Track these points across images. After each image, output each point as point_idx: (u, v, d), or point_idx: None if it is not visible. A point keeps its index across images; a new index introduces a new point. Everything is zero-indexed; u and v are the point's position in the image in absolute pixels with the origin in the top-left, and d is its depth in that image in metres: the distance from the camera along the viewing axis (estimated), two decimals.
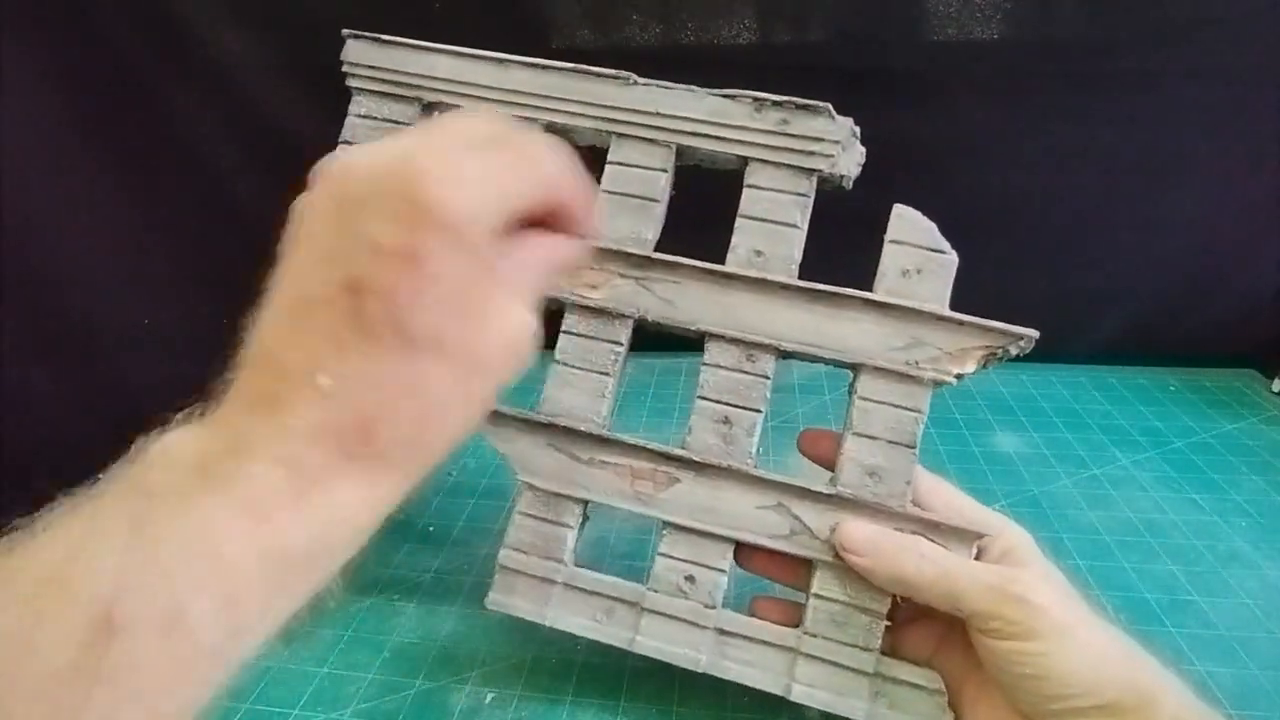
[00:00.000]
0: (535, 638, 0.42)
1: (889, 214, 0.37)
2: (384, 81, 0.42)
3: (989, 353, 0.36)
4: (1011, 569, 0.32)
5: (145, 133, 0.70)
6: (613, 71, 0.40)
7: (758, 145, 0.38)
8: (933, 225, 0.37)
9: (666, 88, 0.40)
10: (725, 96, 0.39)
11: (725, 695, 0.38)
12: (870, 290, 0.37)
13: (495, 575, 0.38)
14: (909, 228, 0.37)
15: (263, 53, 0.66)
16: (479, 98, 0.41)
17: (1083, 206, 0.66)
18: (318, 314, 0.23)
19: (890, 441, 0.36)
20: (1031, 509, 0.52)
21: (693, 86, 0.40)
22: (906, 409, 0.36)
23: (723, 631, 0.36)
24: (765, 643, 0.36)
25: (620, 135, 0.40)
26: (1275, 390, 0.66)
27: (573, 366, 0.39)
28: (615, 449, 0.38)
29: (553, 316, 0.39)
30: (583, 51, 0.64)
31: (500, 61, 0.41)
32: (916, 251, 0.37)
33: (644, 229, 0.39)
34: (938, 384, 0.36)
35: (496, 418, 0.38)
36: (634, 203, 0.40)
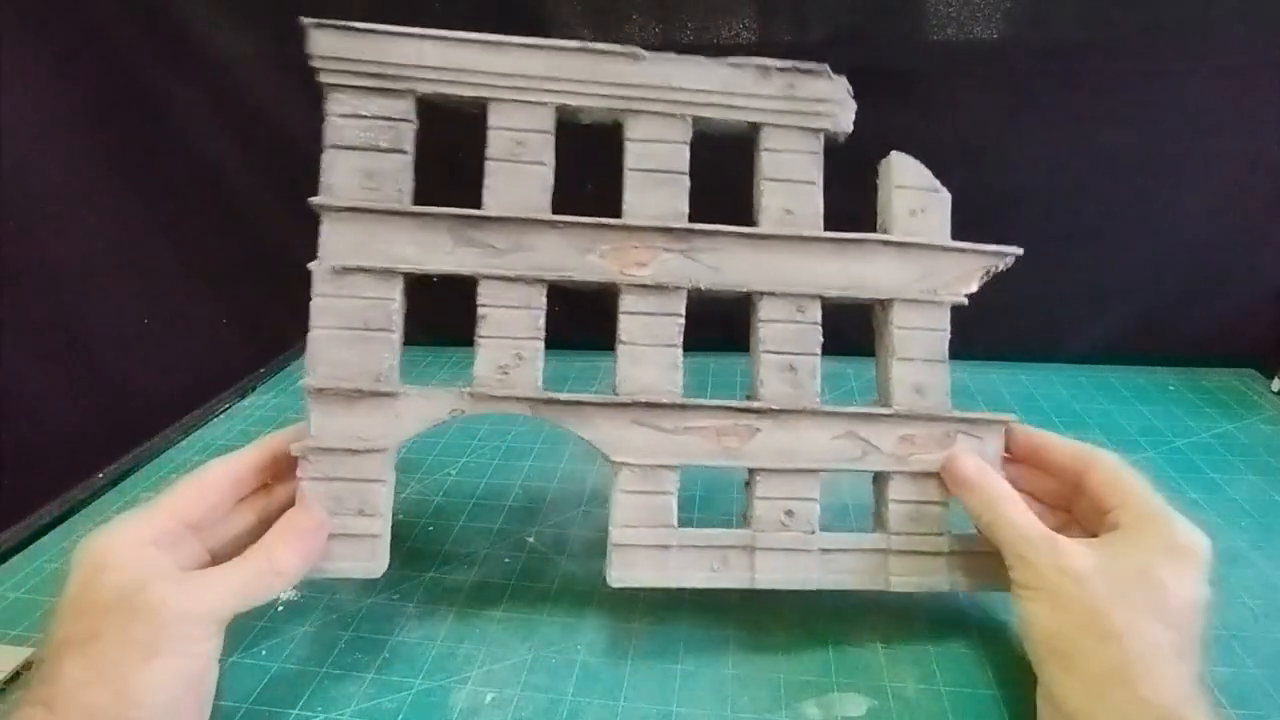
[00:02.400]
0: (535, 638, 0.42)
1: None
2: (366, 75, 0.39)
3: (985, 271, 0.43)
4: (1044, 540, 0.34)
5: (145, 133, 0.70)
6: (620, 47, 0.39)
7: (768, 110, 0.41)
8: (925, 169, 0.42)
9: (676, 60, 0.40)
10: (733, 65, 0.40)
11: (725, 695, 0.38)
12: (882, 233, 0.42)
13: (611, 554, 0.39)
14: (910, 173, 0.42)
15: (262, 53, 0.66)
16: (477, 84, 0.39)
17: (1082, 206, 0.66)
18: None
19: (926, 360, 0.41)
20: None
21: (698, 57, 0.40)
22: (935, 330, 0.42)
23: (825, 550, 0.40)
24: (862, 550, 0.41)
25: (635, 112, 0.40)
26: (1275, 390, 0.66)
27: (641, 344, 0.40)
28: (697, 413, 0.40)
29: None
30: None
31: (497, 45, 0.40)
32: (919, 193, 0.42)
33: (678, 202, 0.41)
34: (954, 305, 0.42)
35: (574, 406, 0.40)
36: (662, 177, 0.41)
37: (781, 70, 0.40)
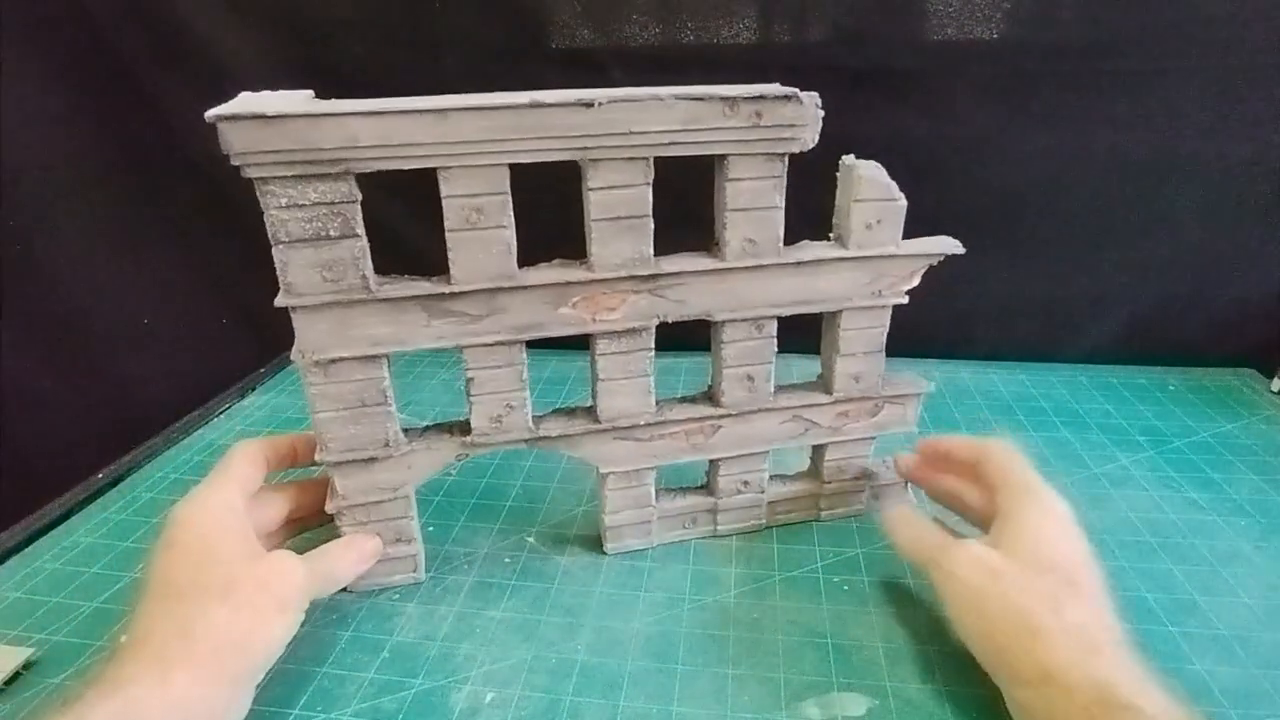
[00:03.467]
0: (535, 637, 0.42)
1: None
2: (297, 164, 0.35)
3: (926, 267, 0.45)
4: (943, 547, 0.39)
5: (145, 133, 0.70)
6: (574, 96, 0.36)
7: (733, 141, 0.39)
8: (887, 178, 0.42)
9: (634, 101, 0.37)
10: (695, 99, 0.37)
11: (725, 695, 0.38)
12: (827, 238, 0.44)
13: (606, 533, 0.48)
14: (870, 185, 0.42)
15: (263, 53, 0.66)
16: (421, 155, 0.36)
17: (1082, 206, 0.66)
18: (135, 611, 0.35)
19: (866, 353, 0.46)
20: None
21: (659, 92, 0.37)
22: (877, 327, 0.46)
23: (772, 503, 0.50)
24: (799, 498, 0.50)
25: (594, 161, 0.38)
26: (1274, 390, 0.66)
27: (618, 379, 0.44)
28: (670, 423, 0.46)
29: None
30: (582, 51, 0.64)
31: (436, 112, 0.35)
32: (877, 205, 0.42)
33: (643, 246, 0.41)
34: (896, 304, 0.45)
35: (563, 438, 0.44)
36: (626, 224, 0.40)
37: (749, 99, 0.38)
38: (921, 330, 0.55)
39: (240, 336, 0.80)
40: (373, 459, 0.42)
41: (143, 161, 0.71)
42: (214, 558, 0.36)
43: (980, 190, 0.65)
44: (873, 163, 0.42)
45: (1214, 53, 0.59)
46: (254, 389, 0.71)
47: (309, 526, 0.46)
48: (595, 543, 0.49)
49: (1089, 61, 0.60)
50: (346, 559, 0.42)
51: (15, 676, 0.40)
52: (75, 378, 0.71)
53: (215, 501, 0.39)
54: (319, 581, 0.40)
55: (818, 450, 0.50)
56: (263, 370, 0.74)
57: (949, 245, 0.44)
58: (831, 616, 0.43)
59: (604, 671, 0.40)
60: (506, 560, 0.48)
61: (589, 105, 0.36)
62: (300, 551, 0.40)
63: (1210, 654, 0.40)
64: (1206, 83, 0.60)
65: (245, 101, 0.37)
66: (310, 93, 0.39)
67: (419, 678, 0.40)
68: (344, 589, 0.45)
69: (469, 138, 0.36)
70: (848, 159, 0.43)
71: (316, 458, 0.42)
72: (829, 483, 0.50)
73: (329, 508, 0.43)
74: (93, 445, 0.60)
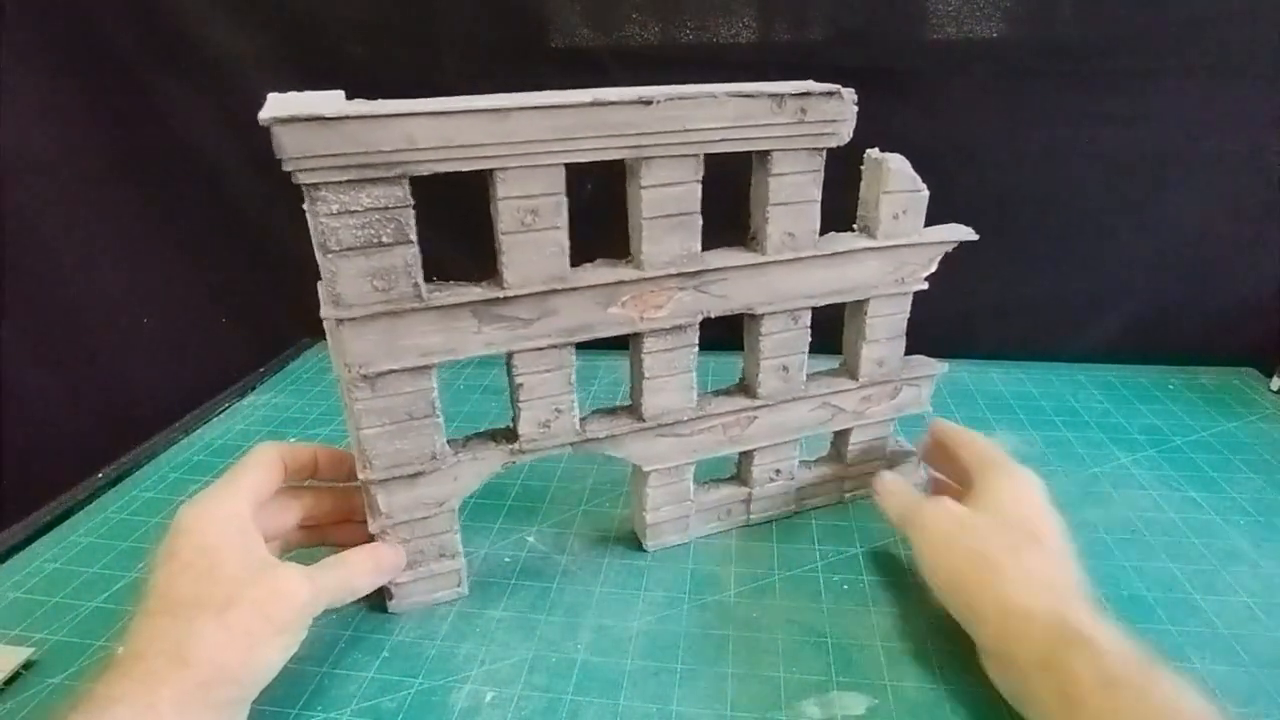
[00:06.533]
0: (535, 637, 0.42)
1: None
2: (351, 168, 0.33)
3: (942, 254, 0.47)
4: (918, 504, 0.43)
5: (145, 133, 0.70)
6: (633, 94, 0.36)
7: (778, 137, 0.40)
8: (912, 170, 0.43)
9: (689, 99, 0.37)
10: (745, 96, 0.38)
11: (725, 695, 0.38)
12: (851, 229, 0.46)
13: (646, 530, 0.48)
14: (898, 178, 0.43)
15: (263, 53, 0.66)
16: (479, 157, 0.35)
17: (1082, 206, 0.66)
18: (129, 626, 0.34)
19: (889, 339, 0.48)
20: None
21: (712, 89, 0.38)
22: (900, 313, 0.48)
23: (801, 489, 0.51)
24: (825, 482, 0.52)
25: (648, 159, 0.38)
26: (1274, 389, 0.66)
27: (662, 376, 0.44)
28: (709, 417, 0.46)
29: None
30: (582, 50, 0.64)
31: (497, 111, 0.34)
32: (904, 196, 0.44)
33: (691, 243, 0.41)
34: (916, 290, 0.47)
35: (609, 439, 0.44)
36: (676, 220, 0.40)
37: (795, 95, 0.39)
38: (922, 329, 0.55)
39: (240, 336, 0.80)
40: (419, 474, 0.41)
41: (143, 161, 0.71)
42: (214, 573, 0.35)
43: (980, 189, 0.65)
44: (898, 155, 0.43)
45: (1213, 52, 0.59)
46: (254, 389, 0.71)
47: (329, 539, 0.44)
48: (595, 542, 0.49)
49: (1088, 61, 0.60)
50: (363, 570, 0.40)
51: (15, 676, 0.40)
52: (75, 378, 0.71)
53: (222, 510, 0.37)
54: (329, 595, 0.38)
55: (841, 434, 0.51)
56: (263, 370, 0.74)
57: (963, 232, 0.46)
58: (831, 616, 0.43)
59: (604, 671, 0.40)
60: (506, 560, 0.48)
61: (647, 103, 0.36)
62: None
63: (1210, 653, 0.40)
64: (1206, 82, 0.60)
65: (289, 102, 0.34)
66: (341, 93, 0.37)
67: (419, 677, 0.40)
68: (384, 610, 0.44)
69: (529, 137, 0.35)
70: (874, 152, 0.44)
71: (360, 476, 0.40)
72: (852, 465, 0.52)
73: (372, 528, 0.41)
74: (93, 445, 0.60)
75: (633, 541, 0.50)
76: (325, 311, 0.36)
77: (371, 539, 0.42)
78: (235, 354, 0.76)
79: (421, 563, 0.43)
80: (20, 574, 0.48)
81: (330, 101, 0.35)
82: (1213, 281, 0.68)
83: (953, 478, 0.48)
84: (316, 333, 0.79)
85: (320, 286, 0.36)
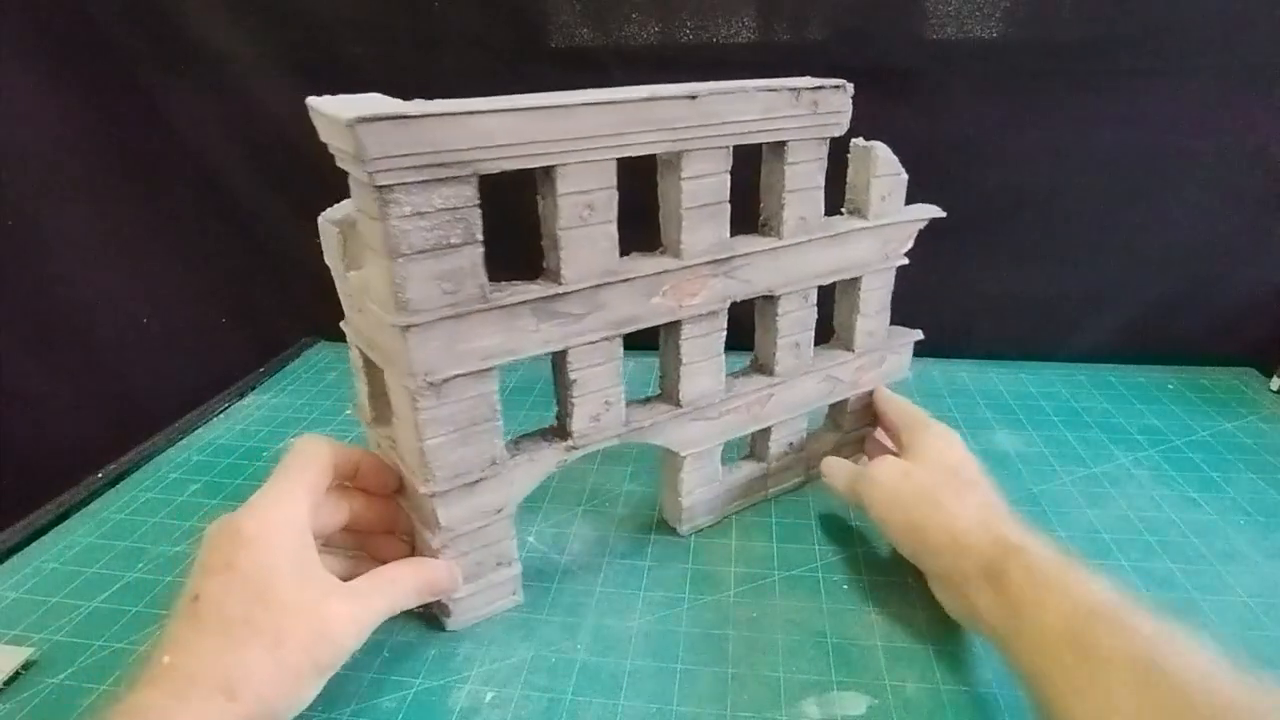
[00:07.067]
0: (535, 637, 0.42)
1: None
2: (426, 167, 0.33)
3: (918, 231, 0.51)
4: (862, 470, 0.47)
5: (145, 133, 0.70)
6: (680, 90, 0.38)
7: (795, 128, 0.43)
8: (894, 155, 0.47)
9: (725, 94, 0.39)
10: (771, 90, 0.41)
11: (725, 694, 0.38)
12: (842, 213, 0.49)
13: (681, 515, 0.50)
14: (885, 163, 0.47)
15: (262, 52, 0.66)
16: (545, 153, 0.35)
17: (1082, 206, 0.66)
18: (173, 624, 0.33)
19: (878, 311, 0.52)
20: (1031, 507, 0.52)
21: (745, 84, 0.40)
22: (886, 287, 0.52)
23: (808, 459, 0.54)
24: (826, 450, 0.55)
25: (689, 151, 0.39)
26: (1274, 389, 0.67)
27: (699, 361, 0.46)
28: (736, 398, 0.48)
29: None
30: (582, 50, 0.64)
31: (565, 108, 0.35)
32: (890, 179, 0.48)
33: (723, 231, 0.43)
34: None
35: (651, 427, 0.45)
36: (711, 210, 0.42)
37: (810, 89, 0.42)
38: (922, 329, 0.55)
39: (240, 336, 0.80)
40: (478, 481, 0.40)
41: (142, 161, 0.71)
42: (269, 597, 0.33)
43: (979, 189, 0.65)
44: (880, 143, 0.47)
45: (1213, 52, 0.59)
46: (254, 389, 0.71)
47: (367, 548, 0.43)
48: (595, 542, 0.49)
49: (1088, 61, 0.60)
50: (411, 590, 0.39)
51: (15, 676, 0.40)
52: (75, 378, 0.71)
53: (282, 515, 0.35)
54: (375, 624, 0.37)
55: (837, 405, 0.55)
56: (262, 370, 0.74)
57: (933, 210, 0.50)
58: (831, 616, 0.43)
59: (604, 671, 0.40)
60: None
61: (692, 98, 0.38)
62: None
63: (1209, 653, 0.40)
64: (1205, 82, 0.60)
65: (350, 104, 0.34)
66: (378, 95, 0.36)
67: (419, 677, 0.40)
68: (441, 628, 0.43)
69: (590, 133, 0.36)
70: (860, 141, 0.47)
71: (422, 490, 0.38)
72: (849, 431, 0.55)
73: (433, 544, 0.40)
74: (93, 445, 0.60)
75: (632, 541, 0.50)
76: (395, 319, 0.35)
77: (411, 555, 0.41)
78: (235, 354, 0.76)
79: (480, 574, 0.42)
80: (20, 574, 0.48)
81: (388, 102, 0.34)
82: (1213, 281, 0.68)
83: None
84: (316, 333, 0.80)
85: (345, 294, 0.35)
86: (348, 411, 0.65)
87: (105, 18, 0.66)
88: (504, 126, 0.34)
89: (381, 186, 0.32)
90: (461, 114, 0.33)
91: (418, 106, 0.33)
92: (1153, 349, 0.71)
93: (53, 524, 0.53)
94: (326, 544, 0.40)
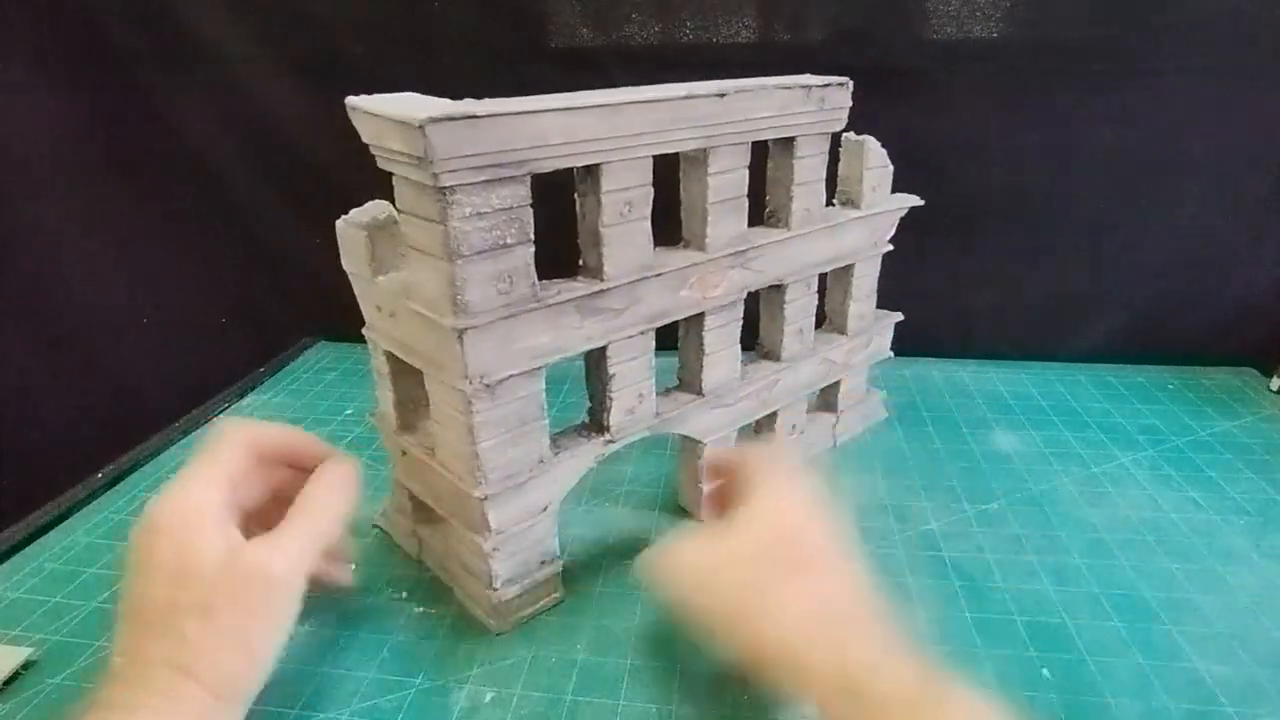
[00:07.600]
0: (535, 638, 0.42)
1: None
2: (485, 168, 0.33)
3: (899, 218, 0.54)
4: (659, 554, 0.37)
5: (145, 133, 0.70)
6: (712, 88, 0.39)
7: (805, 124, 0.45)
8: (882, 148, 0.51)
9: (749, 91, 0.41)
10: (786, 88, 0.42)
11: (725, 695, 0.38)
12: (833, 204, 0.52)
13: (704, 500, 0.50)
14: (876, 156, 0.51)
15: (262, 52, 0.66)
16: (593, 151, 0.36)
17: (1083, 206, 0.66)
18: (117, 629, 0.33)
19: (867, 296, 0.56)
20: (1031, 507, 0.52)
21: (765, 83, 0.41)
22: (874, 274, 0.56)
23: (808, 439, 0.57)
24: (822, 430, 0.58)
25: (715, 148, 0.41)
26: (1273, 389, 0.67)
27: (720, 351, 0.47)
28: (749, 383, 0.50)
29: None
30: (582, 50, 0.64)
31: (614, 106, 0.36)
32: (880, 171, 0.51)
33: (742, 224, 0.45)
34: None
35: (677, 416, 0.46)
36: (732, 204, 0.43)
37: (818, 87, 0.44)
38: (922, 329, 0.55)
39: (240, 336, 0.80)
40: (527, 480, 0.40)
41: (141, 160, 0.71)
42: (188, 575, 0.33)
43: (980, 189, 0.65)
44: (870, 137, 0.50)
45: (1213, 52, 0.59)
46: (254, 389, 0.71)
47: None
48: (595, 543, 0.49)
49: (1088, 60, 0.60)
50: (334, 504, 0.38)
51: (14, 676, 0.40)
52: (75, 377, 0.71)
53: (192, 502, 0.35)
54: (308, 553, 0.36)
55: (829, 388, 0.57)
56: (262, 370, 0.74)
57: (913, 199, 0.54)
58: None
59: (604, 671, 0.40)
60: None
61: (722, 95, 0.39)
62: None
63: (1209, 653, 0.40)
64: (1205, 82, 0.60)
65: (406, 103, 0.34)
66: (419, 95, 0.36)
67: (419, 677, 0.40)
68: (446, 629, 0.43)
69: (634, 130, 0.37)
70: (852, 135, 0.50)
71: (474, 494, 0.38)
72: (841, 411, 0.58)
73: (486, 548, 0.40)
74: (93, 445, 0.60)
75: (632, 541, 0.49)
76: (453, 323, 0.34)
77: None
78: (235, 354, 0.76)
79: (526, 574, 0.42)
80: (20, 574, 0.48)
81: (439, 103, 0.34)
82: (1213, 281, 0.68)
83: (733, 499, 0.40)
84: (316, 333, 0.80)
85: (369, 298, 0.35)
86: (347, 412, 0.65)
87: (105, 18, 0.66)
88: (558, 126, 0.34)
89: (444, 188, 0.32)
90: (519, 114, 0.33)
91: (482, 106, 0.33)
92: (1153, 349, 0.71)
93: (53, 524, 0.52)
94: (266, 526, 0.37)
